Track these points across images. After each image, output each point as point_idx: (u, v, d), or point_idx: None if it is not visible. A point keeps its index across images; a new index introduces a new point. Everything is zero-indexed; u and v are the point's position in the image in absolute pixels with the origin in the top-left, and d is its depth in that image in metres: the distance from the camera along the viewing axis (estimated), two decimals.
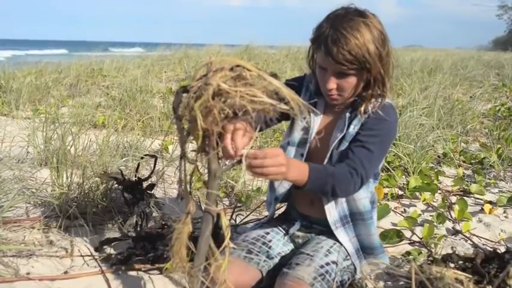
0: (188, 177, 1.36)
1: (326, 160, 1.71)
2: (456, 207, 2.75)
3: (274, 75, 1.22)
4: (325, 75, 1.65)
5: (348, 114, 1.71)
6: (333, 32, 1.57)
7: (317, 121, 1.78)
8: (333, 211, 1.76)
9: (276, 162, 1.37)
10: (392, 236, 2.40)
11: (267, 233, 1.84)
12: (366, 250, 1.82)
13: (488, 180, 3.41)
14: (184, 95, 1.24)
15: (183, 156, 1.32)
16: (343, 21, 1.58)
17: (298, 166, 1.54)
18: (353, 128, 1.69)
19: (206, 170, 1.32)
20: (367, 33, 1.58)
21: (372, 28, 1.59)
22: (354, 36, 1.55)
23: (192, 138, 1.28)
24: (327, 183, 1.58)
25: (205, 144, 1.28)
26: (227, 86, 1.16)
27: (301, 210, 1.87)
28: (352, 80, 1.63)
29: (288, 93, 1.18)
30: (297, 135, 1.80)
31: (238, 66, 1.18)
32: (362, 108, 1.68)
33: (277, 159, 1.37)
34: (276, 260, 1.78)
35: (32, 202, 2.58)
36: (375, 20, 1.62)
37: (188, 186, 1.35)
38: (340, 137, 1.70)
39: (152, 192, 2.46)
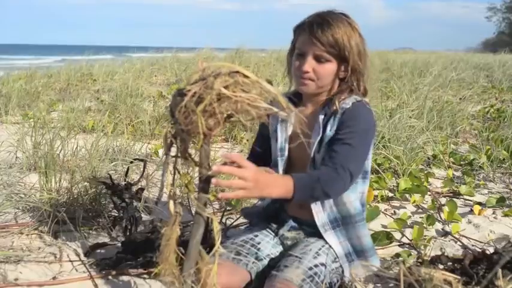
0: (178, 180, 1.36)
1: (309, 164, 1.72)
2: (446, 208, 2.75)
3: (269, 82, 1.24)
4: (302, 60, 1.69)
5: (321, 117, 1.73)
6: (318, 18, 1.68)
7: (289, 128, 1.83)
8: (320, 215, 1.76)
9: (240, 173, 1.32)
10: (382, 238, 2.40)
11: (256, 236, 1.85)
12: (357, 253, 1.82)
13: (478, 182, 3.42)
14: (179, 98, 1.24)
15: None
16: (328, 13, 1.71)
17: (280, 181, 1.50)
18: (330, 130, 1.70)
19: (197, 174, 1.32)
20: (349, 29, 1.68)
21: (354, 28, 1.69)
22: (337, 25, 1.65)
23: (179, 142, 1.29)
24: (314, 189, 1.56)
25: (201, 147, 1.28)
26: (229, 91, 1.17)
27: (290, 212, 1.88)
28: (329, 67, 1.68)
29: (283, 100, 1.20)
30: (278, 144, 1.85)
31: (236, 72, 1.19)
32: (337, 102, 1.70)
33: (242, 172, 1.33)
34: (265, 262, 1.78)
35: (20, 207, 2.56)
36: (357, 24, 1.72)
37: (176, 190, 1.36)
38: (318, 139, 1.71)
39: (142, 196, 2.45)
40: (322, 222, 1.77)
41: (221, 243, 1.29)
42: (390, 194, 3.13)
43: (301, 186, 1.52)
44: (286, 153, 1.83)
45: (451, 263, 2.00)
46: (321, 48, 1.65)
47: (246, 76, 1.19)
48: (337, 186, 1.62)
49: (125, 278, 2.03)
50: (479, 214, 2.85)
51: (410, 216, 2.76)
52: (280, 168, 1.82)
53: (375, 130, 1.79)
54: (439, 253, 2.12)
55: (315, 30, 1.65)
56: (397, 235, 2.51)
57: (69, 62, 8.70)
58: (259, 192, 1.40)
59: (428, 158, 3.94)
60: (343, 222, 1.79)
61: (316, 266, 1.67)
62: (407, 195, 3.08)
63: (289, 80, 1.85)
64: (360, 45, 1.69)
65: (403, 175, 3.35)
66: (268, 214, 1.93)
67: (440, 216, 2.78)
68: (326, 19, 1.66)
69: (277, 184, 1.48)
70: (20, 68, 8.67)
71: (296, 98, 1.80)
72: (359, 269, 1.82)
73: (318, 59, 1.67)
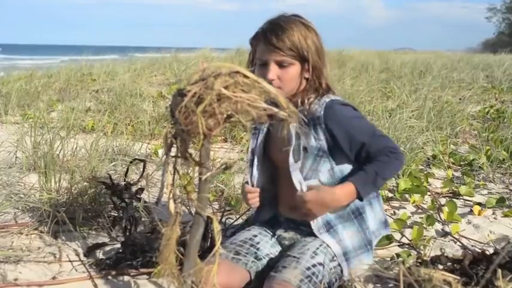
0: (178, 180, 1.36)
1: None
2: (445, 209, 2.75)
3: (269, 83, 1.24)
4: (265, 69, 1.69)
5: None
6: (270, 25, 1.70)
7: (261, 137, 1.87)
8: (315, 220, 1.77)
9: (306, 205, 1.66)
10: (382, 238, 2.39)
11: (255, 236, 1.85)
12: (355, 250, 1.81)
13: (478, 182, 3.42)
14: (179, 98, 1.24)
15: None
16: (279, 18, 1.73)
17: (343, 192, 1.68)
18: (314, 141, 1.73)
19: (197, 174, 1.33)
20: (303, 28, 1.69)
21: (308, 27, 1.70)
22: (290, 27, 1.67)
23: (180, 143, 1.29)
24: (375, 181, 1.67)
25: (202, 147, 1.28)
26: (229, 92, 1.17)
27: (285, 215, 1.89)
28: (292, 70, 1.69)
29: (283, 100, 1.21)
30: (251, 145, 1.92)
31: (236, 72, 1.19)
32: (300, 101, 1.72)
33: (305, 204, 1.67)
34: (264, 262, 1.79)
35: (20, 207, 2.56)
36: (311, 23, 1.73)
37: (176, 190, 1.36)
38: (292, 148, 1.73)
39: (141, 196, 2.45)
40: (317, 226, 1.78)
41: (220, 243, 1.29)
42: (390, 194, 3.13)
43: (363, 187, 1.66)
44: (258, 155, 1.88)
45: (450, 264, 2.00)
46: (281, 53, 1.66)
47: (246, 76, 1.19)
48: (395, 166, 1.71)
49: (124, 278, 2.03)
50: (479, 214, 2.85)
51: (410, 217, 2.75)
52: (255, 169, 1.88)
53: (361, 114, 1.80)
54: (439, 253, 2.12)
55: (269, 37, 1.67)
56: (396, 235, 2.51)
57: (70, 62, 8.69)
58: (329, 208, 1.70)
59: (428, 158, 3.94)
60: (337, 222, 1.79)
61: (314, 265, 1.67)
62: (407, 196, 3.08)
63: None
64: (316, 43, 1.71)
65: (402, 175, 3.34)
66: (265, 216, 1.95)
67: (440, 217, 2.78)
68: (278, 24, 1.68)
69: (342, 195, 1.68)
70: (20, 68, 8.68)
71: None
72: (357, 268, 1.82)
73: (281, 65, 1.68)
